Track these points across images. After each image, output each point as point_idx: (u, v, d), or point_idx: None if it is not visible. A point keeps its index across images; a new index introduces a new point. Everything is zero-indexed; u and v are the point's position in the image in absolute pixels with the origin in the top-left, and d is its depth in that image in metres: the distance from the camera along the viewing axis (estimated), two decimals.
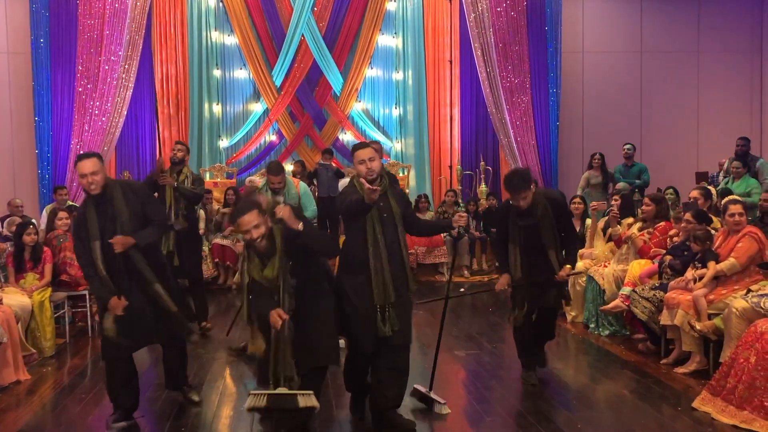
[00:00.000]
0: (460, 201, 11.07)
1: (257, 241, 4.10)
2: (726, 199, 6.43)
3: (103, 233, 4.37)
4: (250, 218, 4.07)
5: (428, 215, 10.43)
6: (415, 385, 4.94)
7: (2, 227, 8.73)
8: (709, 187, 7.55)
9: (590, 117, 12.40)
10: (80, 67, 11.00)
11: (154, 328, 4.58)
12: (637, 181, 10.12)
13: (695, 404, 4.78)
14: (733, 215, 5.67)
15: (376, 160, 4.40)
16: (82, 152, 4.71)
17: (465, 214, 5.13)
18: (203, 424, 4.65)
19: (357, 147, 4.51)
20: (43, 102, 11.05)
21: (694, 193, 6.96)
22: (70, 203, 9.55)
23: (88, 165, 4.41)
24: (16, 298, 6.15)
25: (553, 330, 5.64)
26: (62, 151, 11.11)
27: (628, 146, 10.40)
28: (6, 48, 11.30)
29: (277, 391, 4.04)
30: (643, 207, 7.18)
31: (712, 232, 5.96)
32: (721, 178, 9.82)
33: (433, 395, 4.83)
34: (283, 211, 4.17)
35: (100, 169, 4.44)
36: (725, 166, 9.87)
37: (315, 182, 10.17)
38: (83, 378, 5.74)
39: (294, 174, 11.05)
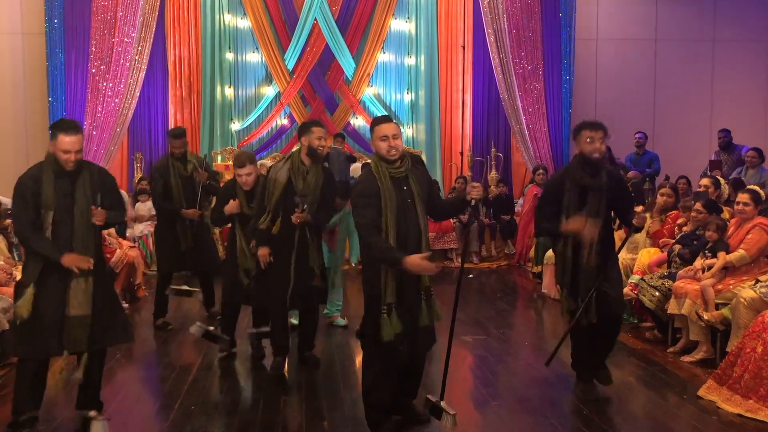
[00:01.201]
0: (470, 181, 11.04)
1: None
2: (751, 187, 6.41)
3: (57, 207, 4.09)
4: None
5: None
6: (428, 396, 4.37)
7: None
8: (720, 178, 7.53)
9: (603, 105, 12.33)
10: (94, 49, 11.03)
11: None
12: (647, 169, 10.09)
13: (701, 393, 4.81)
14: (738, 203, 5.67)
15: (399, 138, 4.01)
16: (62, 119, 4.30)
17: (478, 184, 4.52)
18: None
19: (379, 120, 4.09)
20: (56, 83, 11.10)
21: (705, 182, 6.95)
22: None
23: (75, 143, 4.07)
24: None
25: (614, 341, 4.98)
26: None
27: (639, 135, 10.38)
28: (21, 29, 11.35)
29: None
30: (665, 198, 7.11)
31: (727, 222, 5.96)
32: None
33: (443, 405, 4.22)
34: None
35: (82, 148, 4.18)
36: (712, 157, 9.93)
37: (327, 166, 10.19)
38: None
39: None
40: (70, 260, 4.04)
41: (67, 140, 4.06)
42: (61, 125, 4.15)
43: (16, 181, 4.16)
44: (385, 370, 4.03)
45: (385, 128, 4.01)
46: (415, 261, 3.76)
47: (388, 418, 4.18)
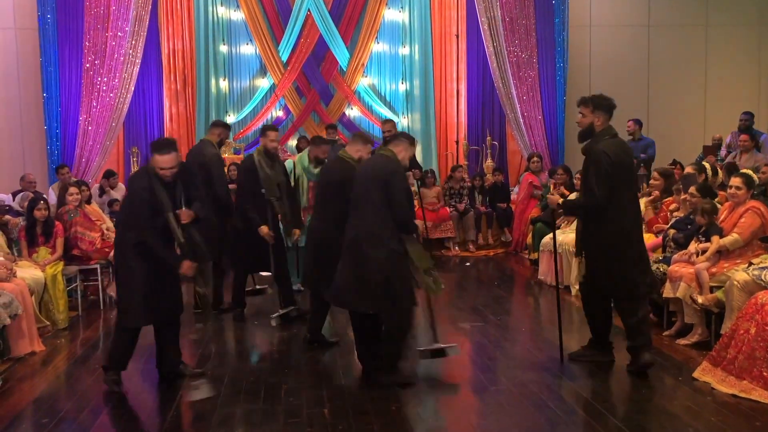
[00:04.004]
0: (465, 176, 11.06)
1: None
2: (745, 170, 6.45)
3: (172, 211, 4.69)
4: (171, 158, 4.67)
5: (434, 190, 10.48)
6: (419, 349, 5.23)
7: (14, 202, 8.84)
8: (705, 163, 7.57)
9: (597, 91, 12.06)
10: (87, 43, 11.02)
11: (176, 304, 4.95)
12: (642, 155, 10.13)
13: (696, 374, 4.87)
14: (731, 187, 5.71)
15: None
16: (159, 140, 4.76)
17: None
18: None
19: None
20: (51, 78, 11.09)
21: (689, 169, 7.00)
22: (74, 179, 9.65)
23: (168, 161, 4.65)
24: (29, 272, 6.27)
25: (627, 323, 5.02)
26: (71, 127, 11.18)
27: (630, 122, 10.42)
28: (13, 24, 11.32)
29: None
30: (651, 181, 7.25)
31: (718, 206, 6.00)
32: (723, 152, 9.84)
33: (439, 345, 5.16)
34: None
35: (177, 163, 4.70)
36: (727, 140, 9.90)
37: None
38: (96, 350, 5.87)
39: (299, 150, 11.12)
40: (188, 266, 4.82)
41: (160, 159, 4.65)
42: (159, 145, 4.74)
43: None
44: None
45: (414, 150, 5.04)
46: None
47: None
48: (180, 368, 5.08)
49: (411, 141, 4.96)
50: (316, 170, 7.16)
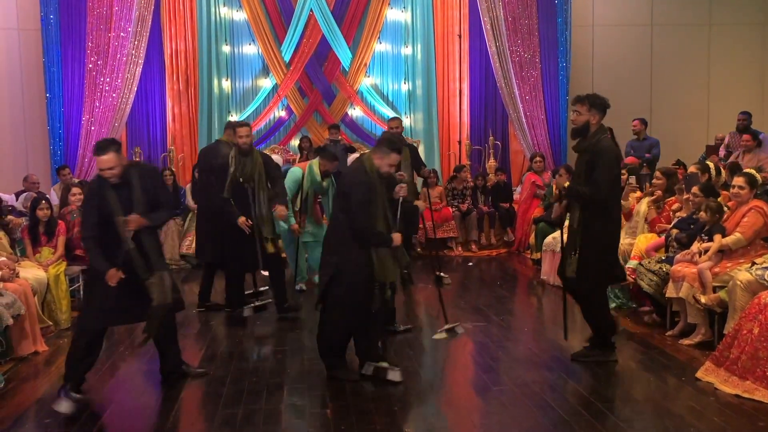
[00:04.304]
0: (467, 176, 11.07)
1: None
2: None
3: (122, 213, 4.55)
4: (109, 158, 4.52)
5: (437, 190, 10.47)
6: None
7: (17, 202, 8.86)
8: (708, 162, 7.56)
9: (600, 91, 11.92)
10: (90, 44, 11.03)
11: (139, 310, 4.70)
12: (647, 155, 10.11)
13: (699, 374, 4.86)
14: (734, 187, 5.70)
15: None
16: (99, 141, 4.65)
17: (404, 185, 5.13)
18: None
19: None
20: (53, 78, 11.10)
21: (692, 168, 6.99)
22: (76, 180, 9.67)
23: (106, 161, 4.52)
24: (32, 272, 6.28)
25: (589, 315, 5.30)
26: (73, 127, 11.19)
27: (635, 122, 10.42)
28: (16, 24, 11.34)
29: None
30: (654, 180, 7.24)
31: (726, 208, 5.99)
32: (722, 152, 9.82)
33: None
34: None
35: (117, 163, 4.56)
36: (726, 140, 9.90)
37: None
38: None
39: (301, 150, 11.15)
40: (113, 275, 4.60)
41: (99, 160, 4.53)
42: (96, 146, 4.60)
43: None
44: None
45: (395, 158, 4.89)
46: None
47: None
48: (182, 368, 5.08)
49: (393, 149, 4.89)
50: (325, 182, 7.40)
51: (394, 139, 5.10)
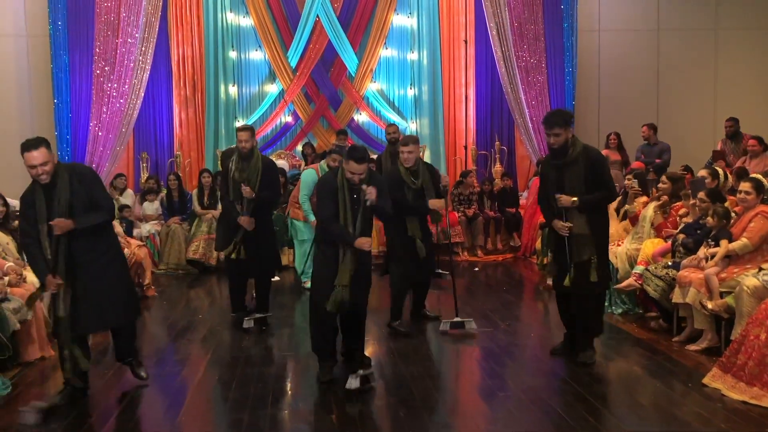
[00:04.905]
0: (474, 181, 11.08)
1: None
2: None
3: (50, 217, 4.44)
4: (41, 153, 4.39)
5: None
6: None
7: None
8: (716, 167, 7.53)
9: (606, 96, 12.33)
10: (98, 50, 11.09)
11: (98, 315, 4.67)
12: (657, 160, 10.09)
13: (705, 381, 4.84)
14: (740, 192, 5.69)
15: (364, 173, 4.96)
16: (27, 139, 4.50)
17: (373, 188, 5.01)
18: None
19: (351, 156, 4.94)
20: (61, 84, 11.16)
21: (703, 173, 6.96)
22: None
23: (37, 156, 4.39)
24: None
25: (592, 319, 5.42)
26: (81, 133, 11.23)
27: (644, 128, 10.42)
28: (25, 31, 11.41)
29: None
30: (660, 185, 7.21)
31: (733, 213, 5.96)
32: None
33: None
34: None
35: (49, 159, 4.44)
36: (719, 147, 9.91)
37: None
38: (105, 355, 5.87)
39: (305, 156, 11.19)
40: (49, 282, 4.54)
41: (28, 156, 4.41)
42: (25, 143, 4.47)
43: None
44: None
45: (354, 167, 4.90)
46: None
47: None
48: (128, 361, 5.10)
49: (351, 157, 4.95)
50: None
51: (356, 148, 5.14)
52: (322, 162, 7.87)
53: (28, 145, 4.44)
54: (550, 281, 6.50)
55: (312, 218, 7.70)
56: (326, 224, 5.04)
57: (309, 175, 7.89)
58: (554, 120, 5.19)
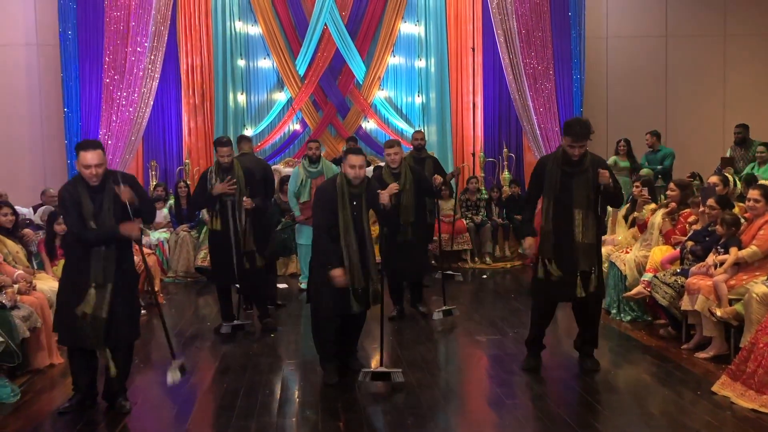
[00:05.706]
0: (482, 188, 11.12)
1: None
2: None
3: (96, 217, 4.49)
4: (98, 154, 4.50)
5: (450, 203, 10.47)
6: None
7: (34, 215, 8.95)
8: (726, 174, 7.51)
9: (614, 103, 12.31)
10: (107, 59, 11.16)
11: (128, 328, 4.68)
12: (659, 167, 10.07)
13: (715, 388, 4.82)
14: (749, 200, 5.66)
15: (363, 168, 5.18)
16: (84, 139, 4.54)
17: (386, 193, 5.25)
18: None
19: (350, 151, 5.24)
20: (71, 93, 11.23)
21: (713, 179, 6.94)
22: None
23: (94, 157, 4.44)
24: (48, 284, 6.33)
25: (595, 325, 5.44)
26: None
27: (647, 135, 10.41)
28: (35, 40, 11.51)
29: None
30: (668, 192, 7.19)
31: (742, 220, 5.94)
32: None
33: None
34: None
35: (104, 162, 4.52)
36: (728, 154, 9.88)
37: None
38: None
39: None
40: (131, 228, 4.71)
41: (85, 156, 4.47)
42: (83, 144, 4.56)
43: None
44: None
45: (353, 159, 5.11)
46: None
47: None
48: (118, 400, 4.74)
49: (347, 151, 5.36)
50: None
51: (351, 146, 5.43)
52: (304, 160, 8.23)
53: (86, 146, 4.50)
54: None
55: (298, 214, 8.19)
56: (317, 234, 5.26)
57: (294, 172, 8.39)
58: (584, 133, 5.09)
